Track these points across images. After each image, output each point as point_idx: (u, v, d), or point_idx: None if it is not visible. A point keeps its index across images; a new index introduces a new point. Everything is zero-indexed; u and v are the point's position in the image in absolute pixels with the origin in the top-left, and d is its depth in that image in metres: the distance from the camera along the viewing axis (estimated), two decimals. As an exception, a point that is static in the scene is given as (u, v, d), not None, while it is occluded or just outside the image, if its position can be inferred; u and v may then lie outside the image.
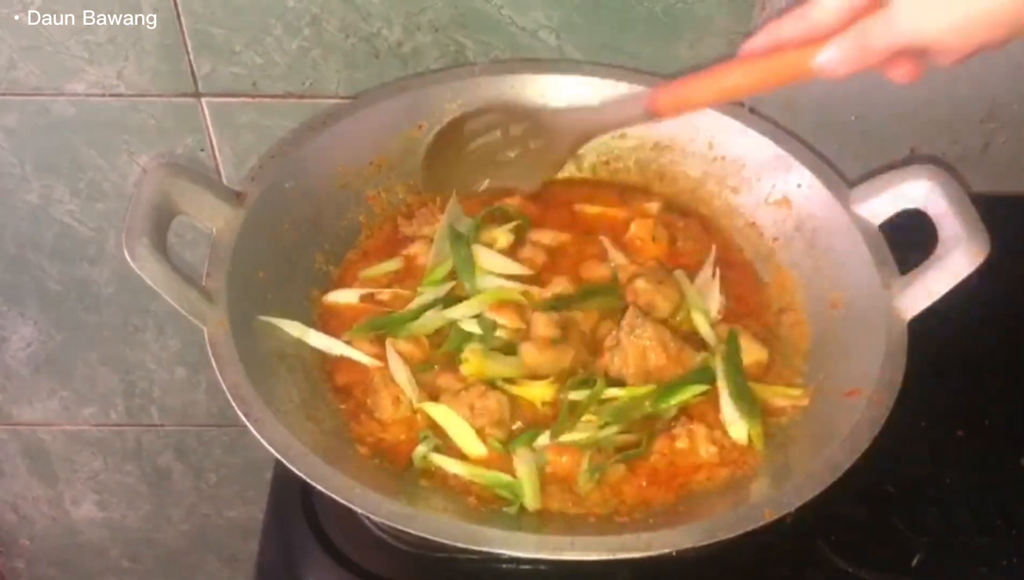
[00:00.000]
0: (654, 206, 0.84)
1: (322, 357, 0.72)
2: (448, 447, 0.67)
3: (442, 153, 0.81)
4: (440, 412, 0.67)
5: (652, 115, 0.70)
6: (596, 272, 0.78)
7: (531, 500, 0.63)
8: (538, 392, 0.69)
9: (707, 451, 0.67)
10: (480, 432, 0.67)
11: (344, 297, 0.76)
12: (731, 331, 0.73)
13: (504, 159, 0.79)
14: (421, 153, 0.82)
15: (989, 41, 0.54)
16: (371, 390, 0.70)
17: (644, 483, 0.65)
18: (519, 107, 0.82)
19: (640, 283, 0.75)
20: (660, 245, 0.81)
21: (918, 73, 0.59)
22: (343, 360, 0.72)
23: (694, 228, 0.82)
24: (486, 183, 0.79)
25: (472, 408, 0.67)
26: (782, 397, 0.70)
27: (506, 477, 0.65)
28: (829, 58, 0.58)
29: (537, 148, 0.79)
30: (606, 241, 0.80)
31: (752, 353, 0.72)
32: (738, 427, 0.67)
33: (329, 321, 0.75)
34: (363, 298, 0.75)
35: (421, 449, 0.66)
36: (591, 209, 0.84)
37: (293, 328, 0.71)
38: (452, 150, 0.80)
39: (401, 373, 0.69)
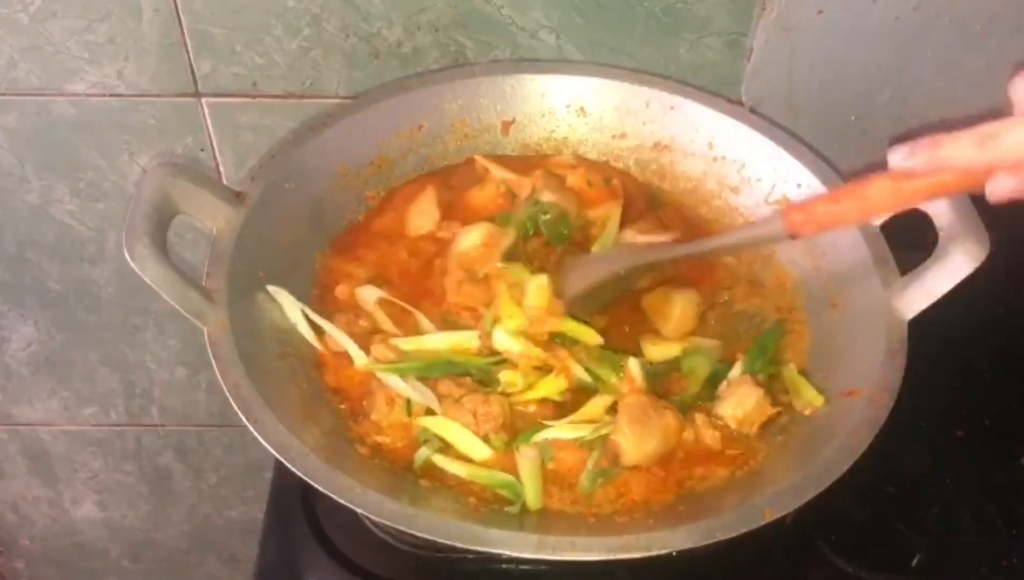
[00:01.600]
0: (567, 156, 0.85)
1: (321, 357, 0.72)
2: (450, 448, 0.67)
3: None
4: (440, 424, 0.67)
5: (790, 235, 0.65)
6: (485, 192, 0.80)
7: (533, 499, 0.63)
8: (551, 386, 0.69)
9: (712, 437, 0.67)
10: (484, 438, 0.66)
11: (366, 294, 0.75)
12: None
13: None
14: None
15: None
16: (367, 391, 0.69)
17: (655, 477, 0.66)
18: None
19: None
20: (597, 189, 0.81)
21: None
22: (339, 361, 0.72)
23: (629, 181, 0.84)
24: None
25: (475, 414, 0.67)
26: (805, 396, 0.69)
27: (508, 477, 0.65)
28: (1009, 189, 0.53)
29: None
30: (481, 159, 0.82)
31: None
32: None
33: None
34: (379, 301, 0.74)
35: (423, 451, 0.66)
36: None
37: (293, 308, 0.71)
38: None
39: (400, 383, 0.69)
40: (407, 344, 0.71)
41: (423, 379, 0.69)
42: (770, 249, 0.80)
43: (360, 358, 0.70)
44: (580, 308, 0.72)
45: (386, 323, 0.73)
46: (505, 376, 0.69)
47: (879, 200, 0.60)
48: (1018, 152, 0.52)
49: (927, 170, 0.56)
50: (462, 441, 0.66)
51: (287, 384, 0.67)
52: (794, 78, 0.85)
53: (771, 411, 0.68)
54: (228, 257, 0.69)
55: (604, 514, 0.63)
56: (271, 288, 0.71)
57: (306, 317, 0.72)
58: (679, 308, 0.74)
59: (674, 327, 0.74)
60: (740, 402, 0.68)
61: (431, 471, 0.66)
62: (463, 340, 0.71)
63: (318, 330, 0.72)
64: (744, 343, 0.74)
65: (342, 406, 0.69)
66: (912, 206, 0.61)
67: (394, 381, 0.68)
